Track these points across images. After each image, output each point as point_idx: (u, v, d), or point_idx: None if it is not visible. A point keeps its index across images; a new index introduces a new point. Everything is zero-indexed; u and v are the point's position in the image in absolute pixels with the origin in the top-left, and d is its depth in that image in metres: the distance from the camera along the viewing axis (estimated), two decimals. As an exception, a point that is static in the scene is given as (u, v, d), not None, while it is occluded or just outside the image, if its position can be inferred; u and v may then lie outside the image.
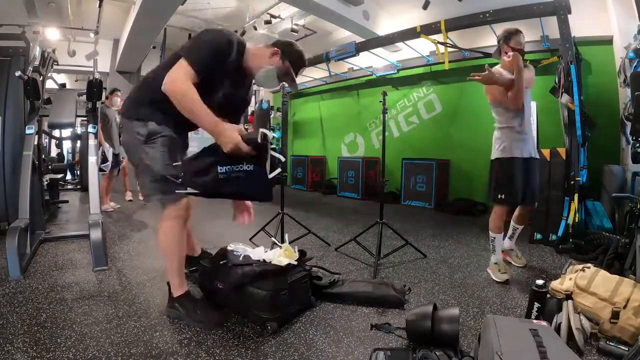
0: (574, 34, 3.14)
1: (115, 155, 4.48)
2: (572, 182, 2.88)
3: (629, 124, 2.60)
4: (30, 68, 2.91)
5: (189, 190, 1.41)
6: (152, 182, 1.52)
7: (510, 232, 2.43)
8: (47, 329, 1.49)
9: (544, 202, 3.07)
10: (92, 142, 3.02)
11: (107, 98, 4.47)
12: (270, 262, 1.72)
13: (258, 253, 1.82)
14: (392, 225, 2.65)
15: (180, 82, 1.36)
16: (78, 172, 7.43)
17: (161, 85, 1.38)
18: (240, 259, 1.71)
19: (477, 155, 4.88)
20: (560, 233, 2.87)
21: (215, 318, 1.58)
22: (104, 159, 4.29)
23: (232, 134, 1.38)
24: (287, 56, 1.59)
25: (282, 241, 2.96)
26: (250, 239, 3.01)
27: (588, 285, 1.58)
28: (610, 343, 1.37)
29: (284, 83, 1.71)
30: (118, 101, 4.49)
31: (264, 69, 1.57)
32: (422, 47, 4.86)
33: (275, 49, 1.58)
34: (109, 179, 4.51)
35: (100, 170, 4.24)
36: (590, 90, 3.70)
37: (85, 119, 5.57)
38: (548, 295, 1.59)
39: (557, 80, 3.13)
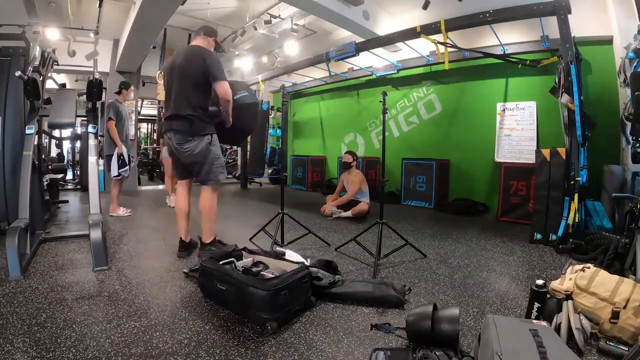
0: (574, 34, 3.14)
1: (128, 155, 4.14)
2: (572, 182, 2.88)
3: (629, 124, 2.60)
4: (30, 68, 2.91)
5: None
6: (221, 168, 2.48)
7: None
8: (47, 329, 1.49)
9: (544, 202, 3.08)
10: (92, 142, 3.02)
11: (119, 93, 4.23)
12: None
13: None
14: (392, 225, 2.65)
15: (229, 91, 2.35)
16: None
17: (208, 112, 2.40)
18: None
19: (477, 155, 4.89)
20: (560, 233, 2.87)
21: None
22: (123, 163, 4.02)
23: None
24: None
25: (282, 241, 2.97)
26: (250, 239, 3.01)
27: (588, 285, 1.58)
28: (610, 343, 1.37)
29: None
30: (132, 96, 4.33)
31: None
32: (422, 47, 4.86)
33: (211, 39, 2.57)
34: (122, 183, 4.18)
35: (118, 175, 3.99)
36: (590, 90, 3.70)
37: (85, 119, 5.58)
38: (548, 295, 1.60)
39: (557, 80, 3.13)
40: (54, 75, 4.45)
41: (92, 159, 2.93)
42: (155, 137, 10.87)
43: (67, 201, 5.01)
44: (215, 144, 2.43)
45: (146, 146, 11.74)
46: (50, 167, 5.29)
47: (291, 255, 2.03)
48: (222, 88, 2.30)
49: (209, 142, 2.39)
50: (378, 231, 2.49)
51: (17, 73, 2.71)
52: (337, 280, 1.93)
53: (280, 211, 2.98)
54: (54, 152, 8.46)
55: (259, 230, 3.03)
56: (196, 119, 2.33)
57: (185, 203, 2.56)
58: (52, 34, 5.05)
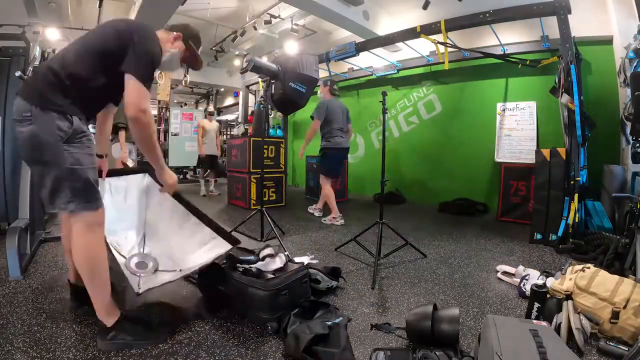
0: (574, 34, 3.14)
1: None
2: (572, 182, 2.88)
3: (629, 124, 2.61)
4: (30, 68, 2.91)
5: None
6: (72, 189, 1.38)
7: None
8: (47, 329, 1.49)
9: (544, 202, 3.08)
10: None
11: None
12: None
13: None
14: (392, 225, 2.65)
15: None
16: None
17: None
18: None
19: (477, 155, 4.89)
20: (560, 233, 2.87)
21: None
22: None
23: None
24: (188, 38, 1.62)
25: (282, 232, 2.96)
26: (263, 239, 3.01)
27: (588, 285, 1.58)
28: (610, 343, 1.38)
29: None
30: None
31: (169, 53, 1.55)
32: (422, 47, 4.86)
33: (177, 33, 1.58)
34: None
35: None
36: (590, 90, 3.70)
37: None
38: (548, 295, 1.60)
39: (557, 80, 3.13)
40: (54, 75, 4.44)
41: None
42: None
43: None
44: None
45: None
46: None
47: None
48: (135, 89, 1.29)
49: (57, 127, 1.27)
50: (378, 231, 2.49)
51: (17, 73, 2.70)
52: (335, 287, 1.96)
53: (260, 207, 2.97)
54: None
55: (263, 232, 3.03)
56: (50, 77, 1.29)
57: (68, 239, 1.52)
58: (52, 34, 5.04)
